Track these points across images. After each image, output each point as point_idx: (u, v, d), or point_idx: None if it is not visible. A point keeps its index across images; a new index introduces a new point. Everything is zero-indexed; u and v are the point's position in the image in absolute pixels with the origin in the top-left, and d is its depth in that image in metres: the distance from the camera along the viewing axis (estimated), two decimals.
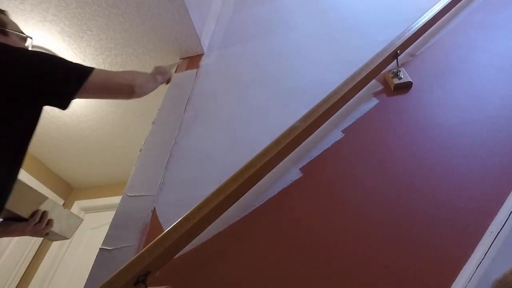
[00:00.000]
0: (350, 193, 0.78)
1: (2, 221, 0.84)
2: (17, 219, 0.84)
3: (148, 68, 1.19)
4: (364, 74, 0.96)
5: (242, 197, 0.79)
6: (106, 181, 2.59)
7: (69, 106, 0.79)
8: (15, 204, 0.79)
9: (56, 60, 0.81)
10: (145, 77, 1.02)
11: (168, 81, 1.23)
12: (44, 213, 0.88)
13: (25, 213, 0.84)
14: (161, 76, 1.14)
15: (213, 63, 1.46)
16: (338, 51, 1.25)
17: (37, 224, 0.86)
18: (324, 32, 1.38)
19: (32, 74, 0.75)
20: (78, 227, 1.02)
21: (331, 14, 1.48)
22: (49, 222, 0.90)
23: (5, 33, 0.87)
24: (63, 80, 0.78)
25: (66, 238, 0.99)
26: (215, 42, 1.58)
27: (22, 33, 0.90)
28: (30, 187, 0.86)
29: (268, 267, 0.70)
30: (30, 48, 0.94)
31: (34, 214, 0.86)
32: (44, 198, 0.89)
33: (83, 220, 1.06)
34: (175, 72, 1.47)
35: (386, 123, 0.92)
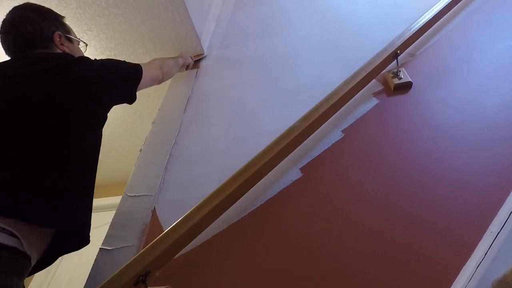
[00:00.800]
0: (350, 193, 0.78)
1: None
2: None
3: None
4: (364, 74, 0.96)
5: (242, 197, 0.79)
6: (106, 181, 2.58)
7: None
8: None
9: (120, 64, 0.94)
10: (170, 63, 1.24)
11: (187, 67, 1.43)
12: None
13: None
14: (182, 59, 1.36)
15: (213, 63, 1.46)
16: (338, 51, 1.25)
17: None
18: (324, 32, 1.38)
19: (111, 81, 0.87)
20: None
21: (331, 14, 1.48)
22: None
23: (70, 40, 0.94)
24: (130, 80, 0.95)
25: None
26: (215, 42, 1.58)
27: (79, 39, 1.00)
28: None
29: (268, 267, 0.70)
30: (84, 52, 1.03)
31: None
32: None
33: None
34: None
35: (386, 123, 0.92)
